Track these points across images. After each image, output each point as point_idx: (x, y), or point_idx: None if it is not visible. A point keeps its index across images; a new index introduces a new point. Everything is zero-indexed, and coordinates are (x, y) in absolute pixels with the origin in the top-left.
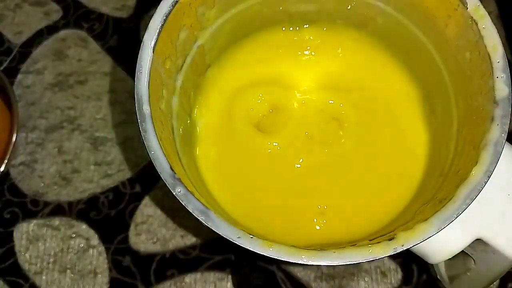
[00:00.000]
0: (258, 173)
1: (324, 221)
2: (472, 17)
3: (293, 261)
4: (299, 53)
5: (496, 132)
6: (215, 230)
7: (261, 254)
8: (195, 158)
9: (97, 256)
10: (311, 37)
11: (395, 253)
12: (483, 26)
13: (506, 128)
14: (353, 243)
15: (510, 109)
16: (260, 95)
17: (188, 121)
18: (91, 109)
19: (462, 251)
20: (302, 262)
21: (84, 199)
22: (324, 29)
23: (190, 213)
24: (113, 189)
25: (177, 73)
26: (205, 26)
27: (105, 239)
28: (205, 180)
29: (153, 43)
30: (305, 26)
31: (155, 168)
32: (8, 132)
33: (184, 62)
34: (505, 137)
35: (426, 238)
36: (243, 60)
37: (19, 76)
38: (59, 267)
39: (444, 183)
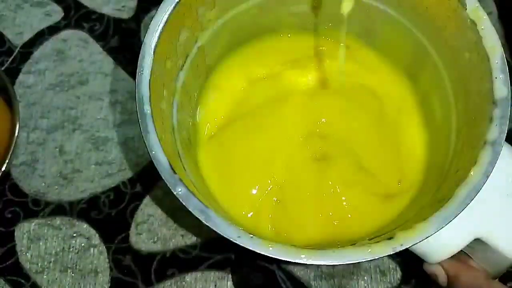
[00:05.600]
0: (259, 174)
1: (324, 221)
2: (471, 18)
3: (293, 261)
4: (300, 57)
5: (495, 132)
6: (215, 230)
7: (261, 254)
8: (196, 158)
9: (98, 256)
10: (311, 41)
11: (394, 252)
12: (482, 27)
13: (505, 129)
14: (352, 243)
15: (509, 110)
16: (262, 98)
17: (190, 122)
18: (92, 109)
19: (461, 250)
20: (302, 262)
21: (85, 199)
22: (325, 31)
23: (191, 212)
24: (114, 188)
25: (178, 73)
26: (206, 27)
27: (106, 238)
28: (206, 180)
29: (154, 43)
30: (305, 30)
31: (155, 168)
32: (10, 132)
33: (184, 62)
34: (504, 137)
35: (425, 238)
36: (245, 64)
37: (20, 76)
38: (60, 266)
39: (443, 183)
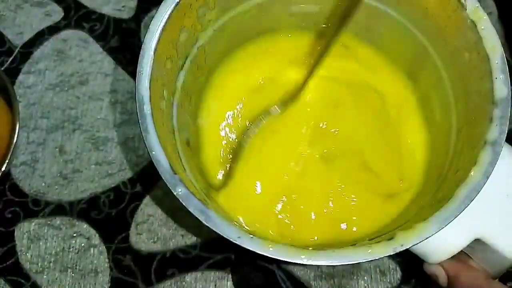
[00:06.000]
0: (259, 174)
1: (325, 221)
2: (471, 18)
3: (293, 261)
4: (300, 57)
5: (495, 132)
6: (216, 230)
7: (261, 254)
8: (197, 158)
9: (98, 256)
10: (312, 42)
11: (394, 252)
12: (482, 27)
13: (505, 129)
14: (352, 243)
15: (509, 110)
16: (263, 98)
17: (190, 122)
18: (92, 109)
19: (461, 250)
20: (302, 262)
21: (85, 199)
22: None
23: (191, 212)
24: (114, 188)
25: (178, 73)
26: (206, 27)
27: (106, 238)
28: (207, 180)
29: (154, 44)
30: (305, 30)
31: (155, 168)
32: (10, 132)
33: (184, 63)
34: (504, 137)
35: (425, 238)
36: (246, 64)
37: (20, 76)
38: (60, 266)
39: (444, 183)
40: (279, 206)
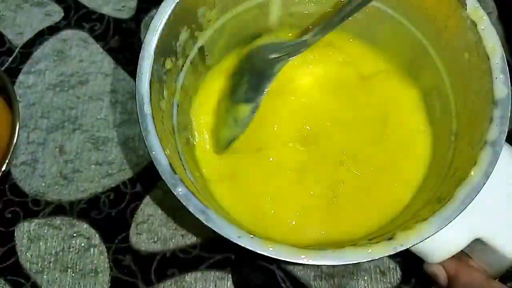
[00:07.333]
0: (258, 175)
1: (326, 220)
2: (471, 18)
3: (293, 261)
4: (300, 58)
5: (495, 132)
6: (216, 230)
7: (261, 254)
8: (196, 158)
9: (98, 256)
10: (311, 43)
11: (394, 252)
12: (482, 27)
13: (505, 129)
14: (352, 243)
15: (509, 110)
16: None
17: (190, 122)
18: (92, 109)
19: (461, 250)
20: (302, 262)
21: (85, 199)
22: (324, 34)
23: (191, 212)
24: (114, 188)
25: (178, 73)
26: (205, 27)
27: (106, 238)
28: (207, 179)
29: (154, 44)
30: (305, 30)
31: (155, 168)
32: (10, 132)
33: (184, 63)
34: (504, 137)
35: (425, 238)
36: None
37: (21, 77)
38: (60, 266)
39: (444, 183)
40: (280, 205)
